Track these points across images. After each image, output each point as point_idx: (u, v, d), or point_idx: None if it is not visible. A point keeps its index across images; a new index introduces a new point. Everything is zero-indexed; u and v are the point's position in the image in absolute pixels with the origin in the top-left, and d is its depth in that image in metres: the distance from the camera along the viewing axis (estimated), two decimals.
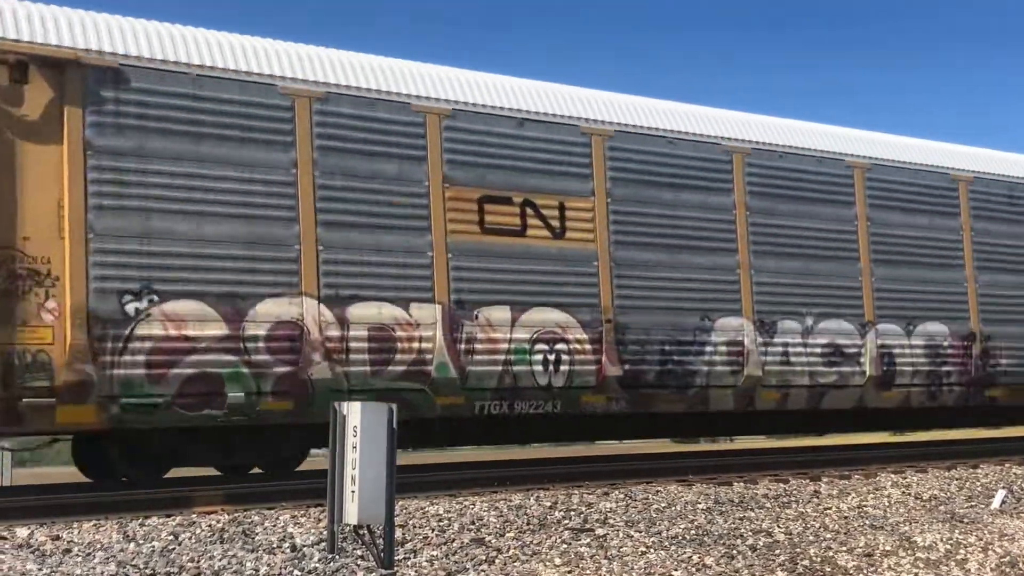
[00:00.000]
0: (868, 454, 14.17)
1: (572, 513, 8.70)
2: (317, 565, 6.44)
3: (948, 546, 7.31)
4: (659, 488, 10.34)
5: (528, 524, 8.18)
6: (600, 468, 12.03)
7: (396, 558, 6.47)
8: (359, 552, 6.64)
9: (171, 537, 7.41)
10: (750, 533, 7.90)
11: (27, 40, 9.79)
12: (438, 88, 11.92)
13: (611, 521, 8.39)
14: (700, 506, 9.26)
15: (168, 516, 8.36)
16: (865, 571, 6.66)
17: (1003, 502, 9.55)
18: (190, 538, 7.38)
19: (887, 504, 9.50)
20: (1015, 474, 11.68)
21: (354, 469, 6.02)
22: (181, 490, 9.52)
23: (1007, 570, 6.91)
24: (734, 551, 7.15)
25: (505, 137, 12.15)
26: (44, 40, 9.90)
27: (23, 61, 9.69)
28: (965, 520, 8.44)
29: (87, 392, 9.62)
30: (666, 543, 7.43)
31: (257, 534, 7.52)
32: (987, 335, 15.71)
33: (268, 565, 6.48)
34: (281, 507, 8.77)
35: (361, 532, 6.37)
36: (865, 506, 9.36)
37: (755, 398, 13.29)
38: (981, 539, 7.55)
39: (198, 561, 6.59)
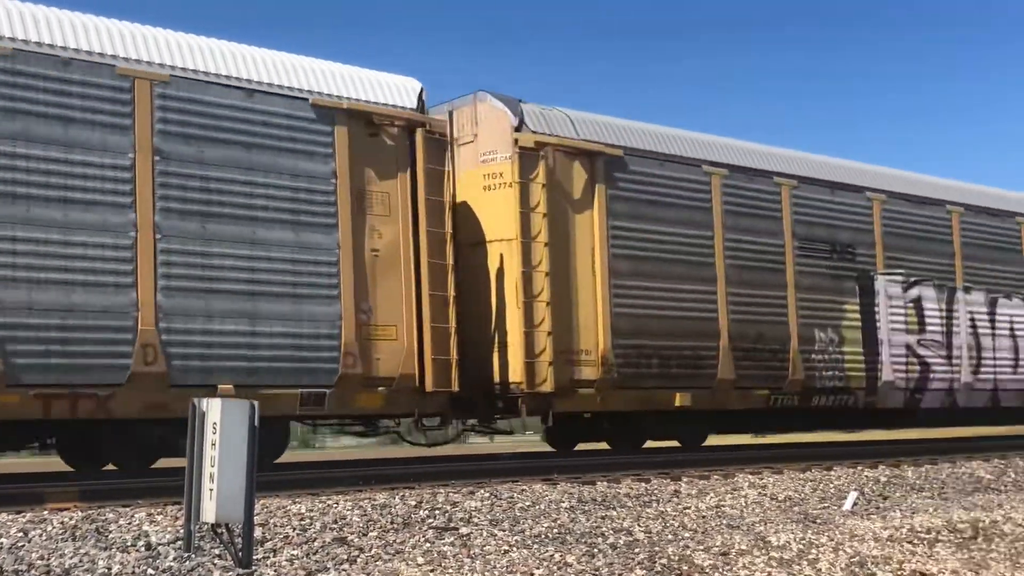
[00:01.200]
0: (728, 455, 14.51)
1: (437, 512, 8.69)
2: (172, 564, 6.29)
3: (801, 546, 7.51)
4: (524, 487, 10.39)
5: (392, 523, 8.13)
6: (467, 467, 12.05)
7: (255, 557, 6.36)
8: (217, 551, 6.51)
9: (20, 534, 7.15)
10: (611, 532, 8.01)
11: None
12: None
13: (475, 520, 8.40)
14: (564, 505, 9.35)
15: (19, 512, 8.07)
16: (720, 569, 6.81)
17: (854, 504, 9.87)
18: (40, 535, 7.14)
19: (744, 504, 9.73)
20: (867, 477, 12.08)
21: (213, 467, 5.90)
22: (33, 486, 9.19)
23: (856, 570, 7.14)
24: (595, 550, 7.23)
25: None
26: None
27: None
28: (818, 521, 8.69)
29: None
30: (529, 542, 7.48)
31: (111, 532, 7.31)
32: None
33: (121, 564, 6.30)
34: (137, 504, 8.54)
35: (219, 531, 6.24)
36: (723, 506, 9.57)
37: None
38: (832, 539, 7.78)
39: (48, 559, 6.37)
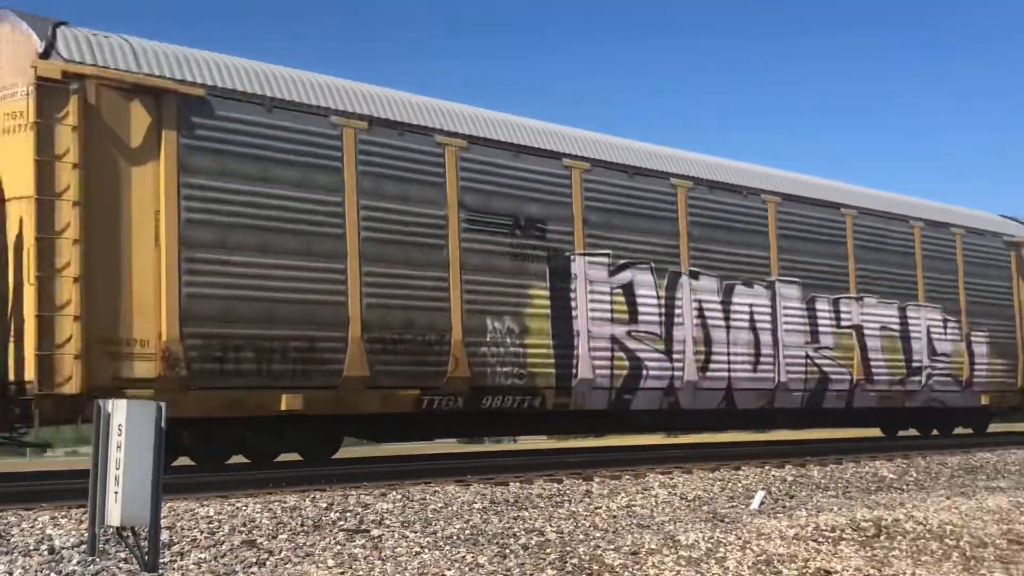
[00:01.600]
0: (639, 455, 14.66)
1: (348, 514, 8.63)
2: (76, 568, 6.16)
3: (709, 544, 7.61)
4: (437, 488, 10.38)
5: (302, 526, 8.06)
6: (379, 469, 12.00)
7: (162, 560, 6.26)
8: (122, 555, 6.40)
9: None
10: (523, 532, 8.04)
11: None
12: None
13: (387, 522, 8.37)
14: (476, 506, 9.36)
15: None
16: (630, 569, 6.87)
17: (762, 503, 10.04)
18: None
19: (654, 504, 9.84)
20: (774, 476, 12.29)
21: (118, 469, 5.78)
22: None
23: (763, 568, 7.26)
24: (507, 550, 7.24)
25: None
26: None
27: None
28: (726, 520, 8.82)
29: None
30: (441, 543, 7.47)
31: (13, 535, 7.14)
32: None
33: (23, 568, 6.16)
34: (41, 508, 8.34)
35: (125, 534, 6.13)
36: (634, 506, 9.67)
37: None
38: (740, 538, 7.89)
39: None
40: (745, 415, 17.15)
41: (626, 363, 14.83)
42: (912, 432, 23.09)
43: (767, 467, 13.14)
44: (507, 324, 13.57)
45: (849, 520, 8.82)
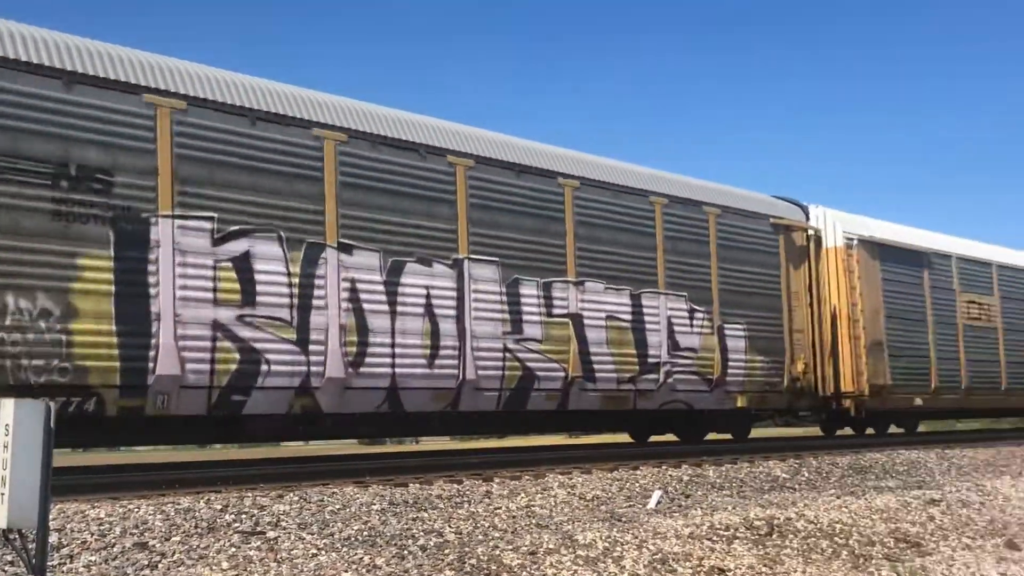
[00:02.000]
0: (539, 456, 14.73)
1: (243, 516, 8.51)
2: None
3: (606, 544, 7.69)
4: (335, 490, 10.29)
5: (196, 528, 7.92)
6: (275, 470, 11.86)
7: (50, 563, 6.10)
8: (9, 558, 6.22)
9: None
10: (422, 533, 8.01)
11: None
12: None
13: (283, 523, 8.27)
14: (375, 507, 9.30)
15: None
16: (528, 569, 6.90)
17: (658, 502, 10.16)
18: None
19: (553, 504, 9.89)
20: (671, 476, 12.43)
21: (4, 470, 5.61)
22: None
23: (658, 567, 7.36)
24: (405, 551, 7.22)
25: None
26: None
27: None
28: (623, 519, 8.91)
29: None
30: (338, 545, 7.41)
31: None
32: None
33: None
34: None
35: (12, 536, 5.95)
36: (533, 506, 9.71)
37: None
38: (637, 537, 7.98)
39: None
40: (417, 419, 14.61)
41: (236, 356, 11.91)
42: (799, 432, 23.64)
43: (664, 467, 13.29)
44: (40, 303, 10.54)
45: (743, 519, 8.98)
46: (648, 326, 16.72)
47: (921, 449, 17.59)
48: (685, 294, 17.49)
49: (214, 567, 6.52)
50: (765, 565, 7.86)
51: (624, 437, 20.08)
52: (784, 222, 19.84)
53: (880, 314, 21.52)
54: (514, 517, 9.00)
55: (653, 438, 20.03)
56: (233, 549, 7.13)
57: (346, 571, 6.52)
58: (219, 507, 8.84)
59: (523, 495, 10.30)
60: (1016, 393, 25.80)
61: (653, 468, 13.11)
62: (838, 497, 10.83)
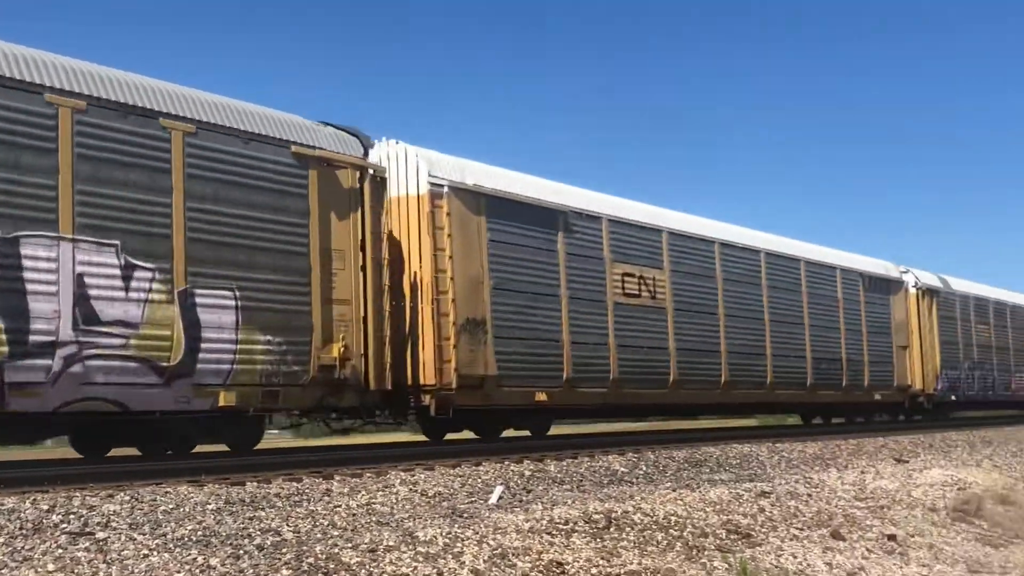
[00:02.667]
0: (381, 453, 14.63)
1: (72, 516, 8.19)
2: None
3: (447, 540, 7.67)
4: (169, 489, 10.01)
5: (21, 529, 7.59)
6: (106, 469, 11.45)
7: None
8: None
9: None
10: (259, 533, 7.85)
11: None
12: None
13: (114, 524, 7.99)
14: (210, 506, 9.07)
15: None
16: (367, 566, 6.84)
17: (500, 498, 10.21)
18: None
19: (395, 501, 9.84)
20: (513, 471, 12.51)
21: None
22: None
23: (498, 562, 7.39)
24: (241, 551, 7.06)
25: None
26: None
27: None
28: (465, 515, 8.91)
29: None
30: (171, 545, 7.20)
31: None
32: None
33: None
34: None
35: None
36: (374, 503, 9.63)
37: None
38: (477, 533, 8.00)
39: None
40: None
41: None
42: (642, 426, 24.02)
43: (507, 462, 13.38)
44: None
45: (582, 513, 9.09)
46: (31, 287, 11.24)
47: (754, 443, 18.15)
48: (116, 242, 12.04)
49: (39, 569, 6.26)
50: (602, 558, 7.98)
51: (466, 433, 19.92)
52: (319, 154, 14.37)
53: (484, 286, 16.55)
54: (354, 515, 8.91)
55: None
56: (60, 551, 6.86)
57: (179, 572, 6.34)
58: (46, 507, 8.50)
59: (364, 492, 10.21)
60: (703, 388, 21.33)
61: (496, 464, 13.18)
62: (674, 490, 11.08)
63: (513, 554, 7.60)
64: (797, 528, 10.21)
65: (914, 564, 9.96)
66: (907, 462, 16.07)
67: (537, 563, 7.54)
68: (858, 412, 28.97)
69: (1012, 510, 12.80)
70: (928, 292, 30.70)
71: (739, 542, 9.33)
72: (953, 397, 31.57)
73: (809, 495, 11.73)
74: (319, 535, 7.84)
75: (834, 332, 26.00)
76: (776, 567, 8.84)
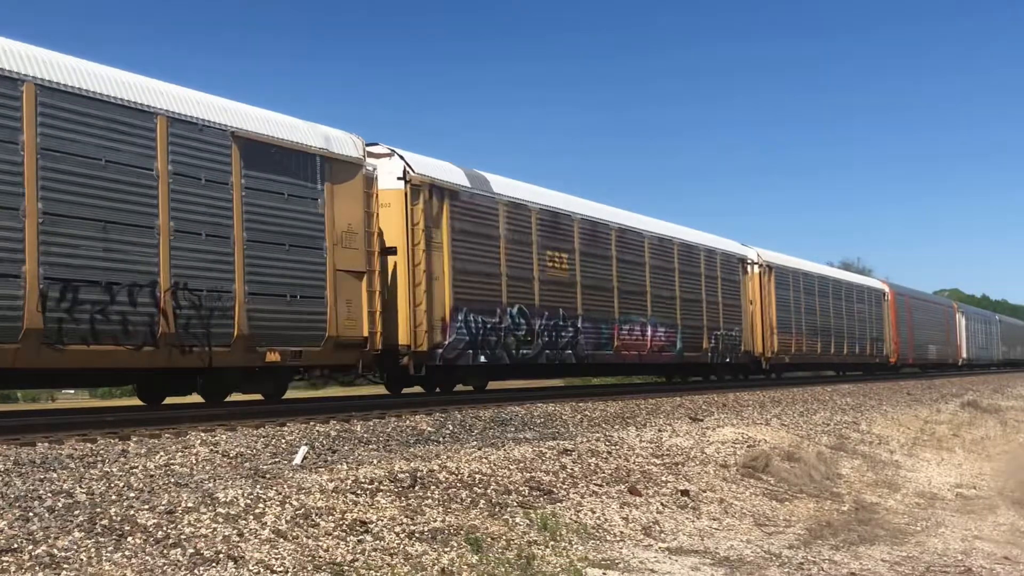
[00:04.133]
0: (181, 413, 14.25)
1: None
2: None
3: (249, 501, 7.56)
4: None
5: None
6: None
7: None
8: None
9: None
10: (49, 495, 7.56)
11: None
12: None
13: None
14: None
15: None
16: (165, 528, 6.68)
17: (304, 458, 10.12)
18: None
19: (194, 462, 9.62)
20: (318, 431, 12.41)
21: None
22: None
23: (301, 522, 7.33)
24: (30, 513, 6.81)
25: None
26: None
27: None
28: (268, 476, 8.79)
29: None
30: None
31: None
32: None
33: None
34: None
35: None
36: (172, 464, 9.39)
37: None
38: (280, 493, 7.91)
39: None
40: None
41: None
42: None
43: (312, 423, 13.25)
44: None
45: (387, 472, 9.11)
46: None
47: (558, 403, 18.53)
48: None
49: None
50: (407, 516, 8.02)
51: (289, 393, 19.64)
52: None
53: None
54: (152, 476, 8.68)
55: None
56: None
57: None
58: None
59: (162, 453, 9.94)
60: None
61: (301, 424, 13.04)
62: (479, 449, 11.22)
63: (316, 514, 7.55)
64: (597, 484, 10.50)
65: (705, 518, 10.40)
66: (701, 421, 16.71)
67: (341, 522, 7.52)
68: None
69: (797, 466, 13.49)
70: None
71: (541, 498, 9.53)
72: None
73: (609, 453, 12.07)
74: (114, 497, 7.61)
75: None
76: (575, 522, 9.08)
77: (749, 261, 33.88)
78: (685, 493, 10.96)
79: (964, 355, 63.77)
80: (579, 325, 23.48)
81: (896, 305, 49.42)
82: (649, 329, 27.03)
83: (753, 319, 33.64)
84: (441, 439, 12.64)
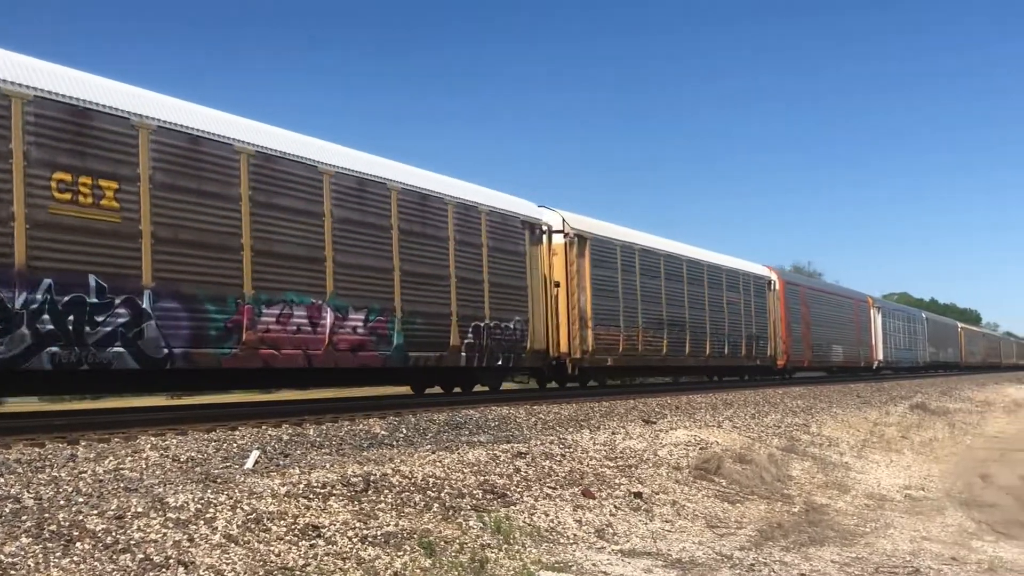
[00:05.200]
0: (131, 417, 14.11)
1: None
2: None
3: (199, 505, 7.49)
4: None
5: None
6: None
7: None
8: None
9: None
10: None
11: None
12: None
13: None
14: None
15: None
16: (114, 533, 6.60)
17: (256, 462, 10.04)
18: None
19: (144, 467, 9.52)
20: (270, 435, 12.33)
21: None
22: None
23: (252, 526, 7.28)
24: None
25: None
26: None
27: None
28: (219, 480, 8.72)
29: None
30: None
31: None
32: None
33: None
34: None
35: None
36: (122, 469, 9.29)
37: None
38: (232, 498, 7.84)
39: None
40: None
41: None
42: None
43: (264, 427, 13.17)
44: None
45: (340, 476, 9.07)
46: None
47: (512, 405, 18.54)
48: None
49: None
50: (360, 520, 7.99)
51: (226, 398, 19.57)
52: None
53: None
54: (101, 481, 8.58)
55: None
56: None
57: None
58: None
59: (112, 458, 9.84)
60: None
61: (253, 428, 12.95)
62: (433, 452, 11.19)
63: (268, 518, 7.50)
64: (550, 487, 10.52)
65: (658, 520, 10.45)
66: (655, 423, 16.79)
67: (293, 527, 7.47)
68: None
69: (749, 468, 13.60)
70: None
71: (495, 501, 9.53)
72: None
73: (563, 455, 12.09)
74: (62, 502, 7.51)
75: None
76: (529, 524, 9.08)
77: (544, 228, 24.75)
78: (638, 495, 11.01)
79: (880, 357, 56.05)
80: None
81: (788, 297, 41.11)
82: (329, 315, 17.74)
83: (552, 307, 24.81)
84: (395, 443, 12.59)
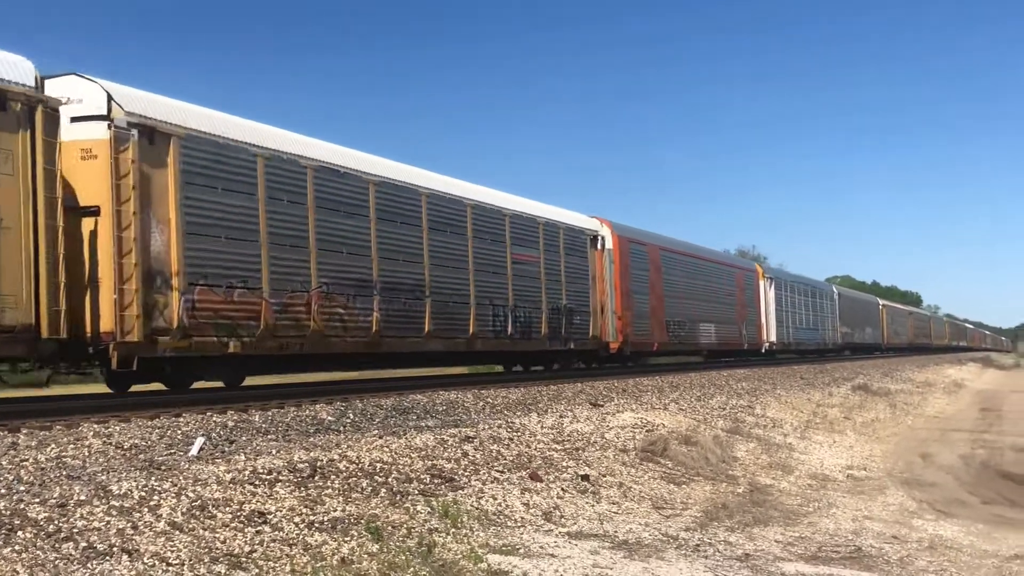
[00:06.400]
0: (73, 404, 13.91)
1: None
2: None
3: (143, 493, 7.43)
4: None
5: None
6: None
7: None
8: None
9: None
10: None
11: None
12: None
13: None
14: None
15: None
16: (56, 521, 6.53)
17: (201, 449, 9.95)
18: None
19: (87, 454, 9.40)
20: (215, 422, 12.22)
21: None
22: None
23: (197, 513, 7.22)
24: None
25: None
26: None
27: None
28: (163, 467, 8.64)
29: None
30: None
31: None
32: None
33: None
34: None
35: None
36: (64, 457, 9.17)
37: None
38: (176, 485, 7.78)
39: None
40: None
41: None
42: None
43: (209, 413, 13.04)
44: None
45: (286, 463, 9.02)
46: None
47: (460, 390, 18.53)
48: None
49: None
50: (306, 506, 7.96)
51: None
52: None
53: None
54: (43, 469, 8.46)
55: None
56: None
57: None
58: None
59: (54, 446, 9.70)
60: None
61: (197, 415, 12.82)
62: (380, 437, 11.16)
63: (213, 505, 7.45)
64: (498, 471, 10.55)
65: (605, 502, 10.52)
66: (602, 406, 16.87)
67: (238, 513, 7.43)
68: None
69: (694, 450, 13.73)
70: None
71: (442, 486, 9.54)
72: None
73: (511, 439, 12.12)
74: (3, 490, 7.40)
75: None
76: (477, 508, 9.10)
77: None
78: (586, 478, 11.07)
79: (772, 338, 44.63)
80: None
81: (624, 258, 30.04)
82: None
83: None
84: (342, 428, 12.54)
